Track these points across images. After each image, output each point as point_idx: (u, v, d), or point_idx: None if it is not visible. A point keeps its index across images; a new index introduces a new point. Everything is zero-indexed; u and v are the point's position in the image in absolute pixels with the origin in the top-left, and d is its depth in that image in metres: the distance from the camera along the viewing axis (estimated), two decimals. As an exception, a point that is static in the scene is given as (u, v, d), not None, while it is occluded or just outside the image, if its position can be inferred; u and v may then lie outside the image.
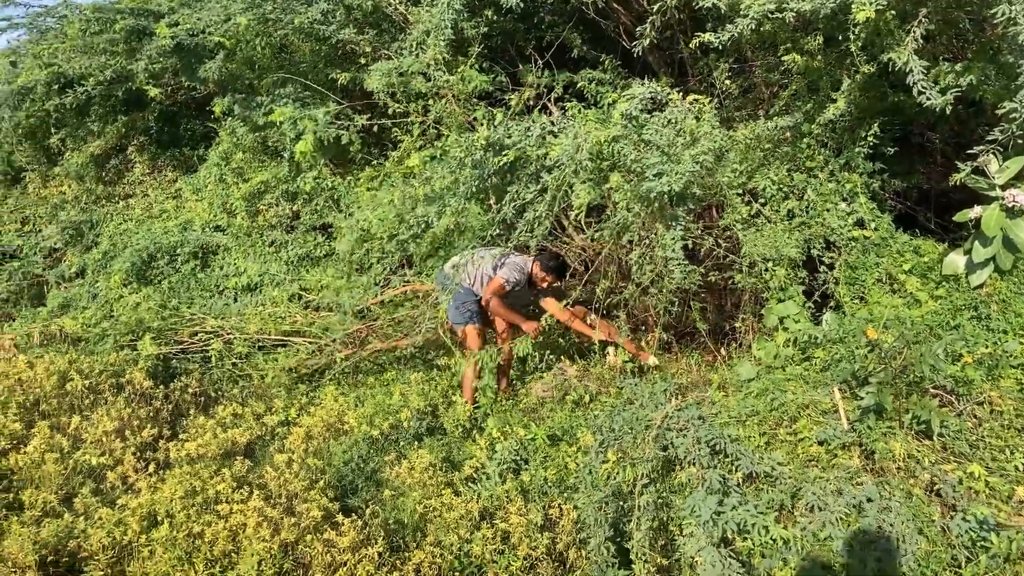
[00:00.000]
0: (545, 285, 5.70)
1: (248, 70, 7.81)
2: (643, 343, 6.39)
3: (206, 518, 3.79)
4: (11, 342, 6.22)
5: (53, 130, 9.66)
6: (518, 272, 5.55)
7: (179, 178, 9.33)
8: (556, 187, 4.58)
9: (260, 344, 6.62)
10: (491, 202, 5.80)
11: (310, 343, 6.43)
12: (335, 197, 7.66)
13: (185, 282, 7.83)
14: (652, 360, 5.65)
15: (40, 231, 9.25)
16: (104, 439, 4.77)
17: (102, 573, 3.49)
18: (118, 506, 4.04)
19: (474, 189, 4.96)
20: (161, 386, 5.69)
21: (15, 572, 3.43)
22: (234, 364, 6.41)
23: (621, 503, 3.73)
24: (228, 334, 6.57)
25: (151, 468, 4.48)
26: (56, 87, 8.59)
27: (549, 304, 5.67)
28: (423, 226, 5.26)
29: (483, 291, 5.56)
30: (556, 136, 4.84)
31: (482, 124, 5.57)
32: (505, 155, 4.68)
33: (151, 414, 5.29)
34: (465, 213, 5.43)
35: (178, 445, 4.66)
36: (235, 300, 7.47)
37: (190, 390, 5.73)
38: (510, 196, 4.83)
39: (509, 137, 4.72)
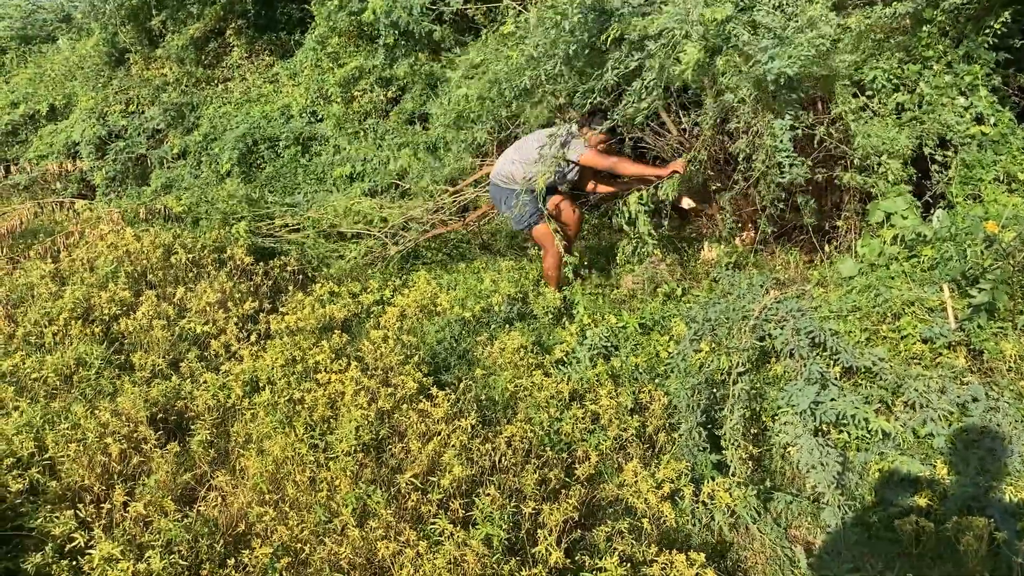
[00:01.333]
0: (603, 147, 5.25)
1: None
2: (739, 241, 6.25)
3: (306, 385, 3.92)
4: (119, 215, 6.44)
5: (154, 11, 9.78)
6: (585, 142, 5.14)
7: (276, 62, 9.38)
8: (664, 55, 4.43)
9: (336, 236, 6.63)
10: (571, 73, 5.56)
11: (380, 234, 6.40)
12: (431, 84, 7.59)
13: (290, 169, 7.95)
14: (686, 202, 5.38)
15: (143, 112, 9.47)
16: (208, 309, 4.95)
17: (208, 431, 3.65)
18: (222, 372, 4.21)
19: (571, 53, 4.83)
20: (261, 263, 5.85)
21: (128, 425, 3.61)
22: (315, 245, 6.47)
23: (714, 391, 3.70)
24: (304, 228, 6.60)
25: (253, 338, 4.63)
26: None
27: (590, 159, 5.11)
28: (518, 92, 5.16)
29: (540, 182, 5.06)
30: (663, 5, 4.66)
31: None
32: (611, 28, 4.53)
33: (252, 288, 5.45)
34: (561, 79, 5.23)
35: (278, 318, 4.80)
36: (338, 190, 7.55)
37: (288, 268, 5.87)
38: (612, 63, 4.70)
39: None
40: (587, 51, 4.94)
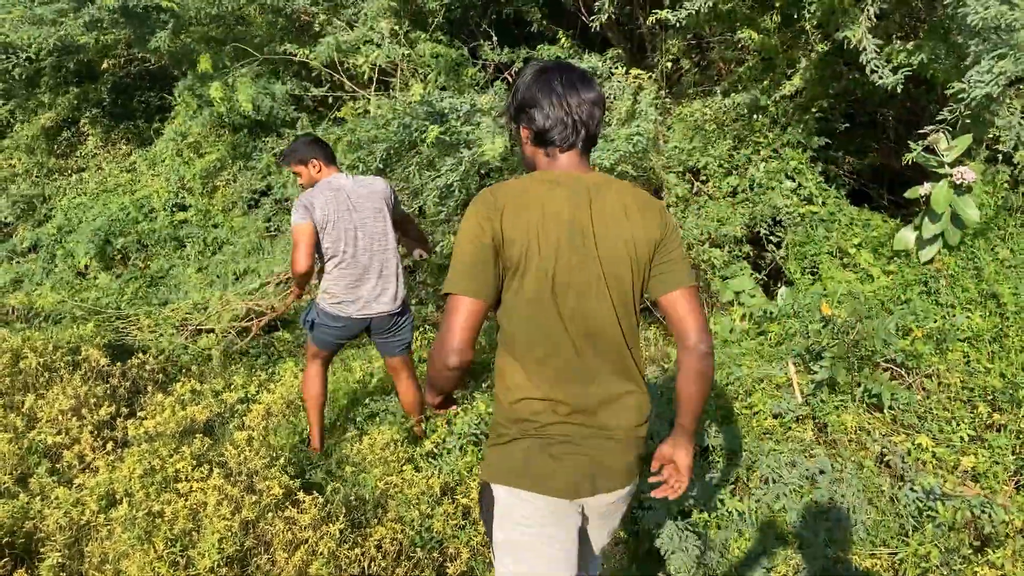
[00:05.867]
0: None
1: (202, 44, 7.67)
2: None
3: (165, 497, 3.77)
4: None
5: (1, 101, 9.42)
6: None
7: (133, 151, 9.17)
8: (470, 161, 4.72)
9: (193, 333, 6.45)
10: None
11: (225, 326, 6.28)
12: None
13: (163, 266, 7.68)
14: (417, 253, 4.81)
15: (-10, 205, 9.04)
16: (60, 418, 4.71)
17: (59, 554, 3.46)
18: (75, 486, 4.01)
19: (393, 151, 5.05)
20: (118, 363, 5.63)
21: (-29, 554, 3.40)
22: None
23: (580, 477, 3.78)
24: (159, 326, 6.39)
25: (109, 447, 4.44)
26: (3, 57, 8.39)
27: None
28: None
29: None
30: (487, 112, 4.93)
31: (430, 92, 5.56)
32: (429, 130, 4.76)
33: (108, 391, 5.23)
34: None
35: (136, 423, 4.62)
36: (225, 287, 7.33)
37: (147, 367, 5.67)
38: (417, 161, 4.94)
39: (441, 101, 4.81)
40: (405, 147, 5.19)
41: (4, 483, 4.08)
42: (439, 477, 4.04)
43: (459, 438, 4.42)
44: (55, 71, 8.91)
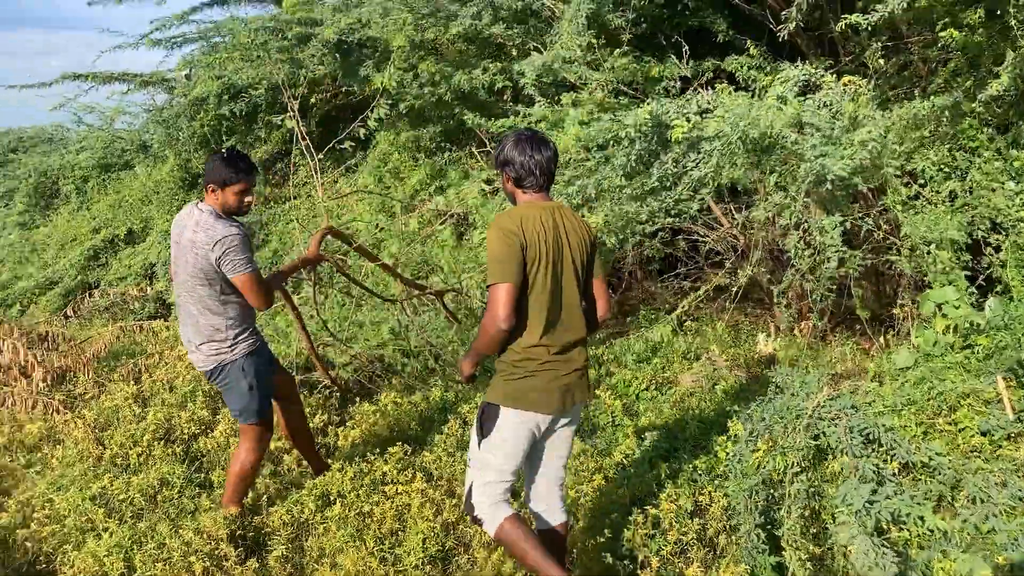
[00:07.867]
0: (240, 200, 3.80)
1: (406, 74, 8.18)
2: (796, 331, 6.31)
3: (374, 498, 4.07)
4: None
5: (224, 137, 10.39)
6: (239, 232, 3.73)
7: (339, 179, 9.84)
8: (721, 155, 4.73)
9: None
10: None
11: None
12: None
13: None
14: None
15: (216, 232, 9.93)
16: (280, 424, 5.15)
17: (284, 547, 3.81)
18: (294, 486, 4.39)
19: (629, 162, 5.14)
20: (329, 372, 6.06)
21: (210, 543, 3.79)
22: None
23: (771, 491, 3.74)
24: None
25: (322, 452, 4.82)
26: (226, 97, 9.27)
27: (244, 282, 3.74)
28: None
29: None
30: (712, 112, 4.95)
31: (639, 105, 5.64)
32: (674, 127, 4.84)
33: (321, 401, 5.66)
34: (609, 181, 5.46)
35: (345, 431, 4.99)
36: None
37: (350, 378, 6.07)
38: (659, 163, 4.97)
39: (667, 114, 4.89)
40: (643, 155, 5.26)
41: (235, 482, 4.52)
42: (628, 488, 4.12)
43: (648, 452, 4.48)
44: (270, 107, 9.73)
